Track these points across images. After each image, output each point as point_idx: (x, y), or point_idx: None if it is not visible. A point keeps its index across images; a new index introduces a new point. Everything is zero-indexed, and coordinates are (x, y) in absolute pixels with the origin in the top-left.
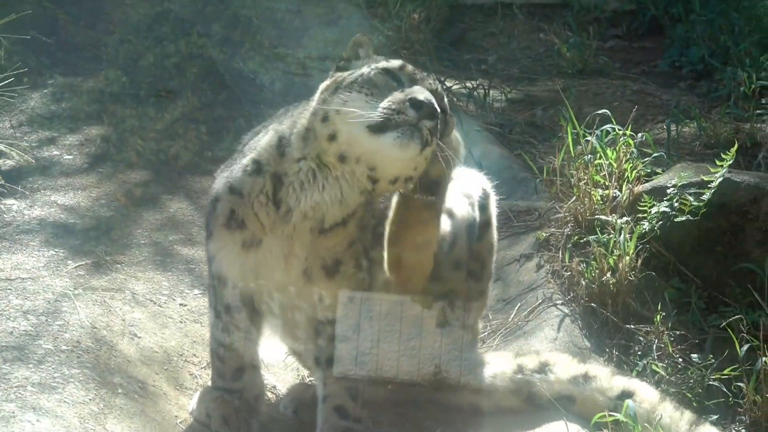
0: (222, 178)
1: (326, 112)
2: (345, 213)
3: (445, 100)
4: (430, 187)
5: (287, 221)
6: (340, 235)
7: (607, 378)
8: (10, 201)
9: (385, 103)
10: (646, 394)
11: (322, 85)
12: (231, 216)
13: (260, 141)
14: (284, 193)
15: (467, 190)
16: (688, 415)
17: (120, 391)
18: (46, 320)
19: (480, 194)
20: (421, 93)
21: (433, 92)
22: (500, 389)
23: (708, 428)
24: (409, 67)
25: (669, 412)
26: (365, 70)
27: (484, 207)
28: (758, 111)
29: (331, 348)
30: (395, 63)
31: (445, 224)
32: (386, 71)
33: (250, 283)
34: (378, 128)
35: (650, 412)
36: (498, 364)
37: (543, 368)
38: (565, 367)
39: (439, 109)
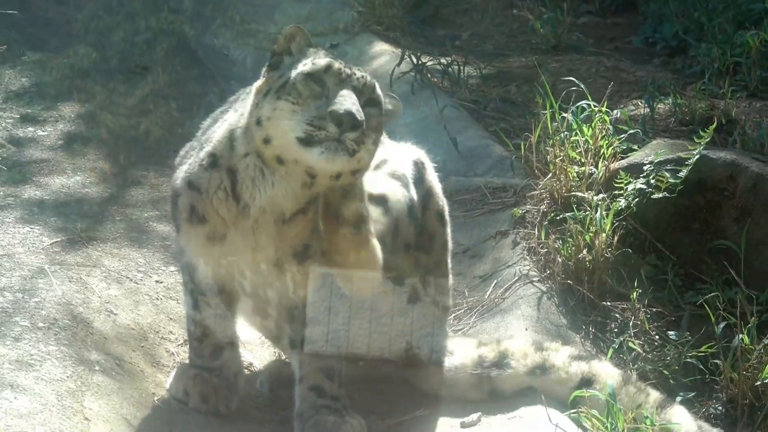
0: (181, 172)
1: (259, 116)
2: (301, 203)
3: (378, 90)
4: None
5: (248, 215)
6: (302, 223)
7: (565, 366)
8: None
9: (308, 118)
10: (606, 378)
11: (257, 85)
12: (192, 211)
13: (215, 133)
14: (240, 187)
15: (398, 171)
16: (654, 396)
17: (97, 368)
18: (23, 297)
19: (412, 170)
20: (342, 104)
21: (361, 88)
22: (462, 383)
23: (676, 409)
24: (335, 66)
25: (632, 395)
26: (292, 74)
27: (419, 180)
28: (732, 88)
29: (305, 331)
30: (321, 63)
31: (379, 214)
32: (310, 76)
33: (221, 272)
34: (305, 141)
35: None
36: (460, 355)
37: (501, 361)
38: (522, 358)
39: (361, 117)
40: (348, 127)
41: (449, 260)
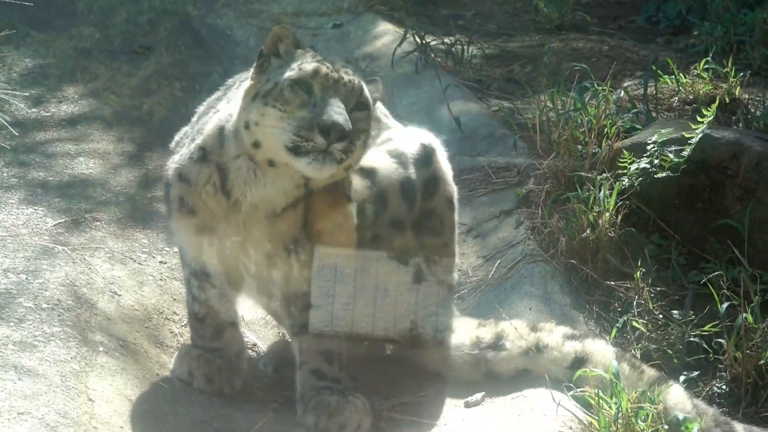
0: (173, 161)
1: (248, 120)
2: (292, 199)
3: (366, 92)
4: None
5: (238, 210)
6: (292, 217)
7: (558, 346)
8: None
9: (295, 128)
10: (600, 357)
11: (245, 87)
12: (182, 203)
13: (206, 124)
14: (231, 185)
15: (399, 149)
16: (649, 373)
17: (101, 349)
18: (27, 278)
19: (416, 150)
20: (329, 114)
21: (349, 92)
22: (460, 364)
23: (672, 387)
24: (323, 71)
25: (626, 373)
26: (279, 79)
27: (426, 162)
28: (736, 66)
29: (305, 316)
30: (308, 69)
31: (362, 185)
32: (297, 83)
33: (213, 261)
34: (293, 151)
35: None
36: (459, 335)
37: (497, 343)
38: (516, 339)
39: (349, 127)
40: (335, 138)
41: (455, 243)
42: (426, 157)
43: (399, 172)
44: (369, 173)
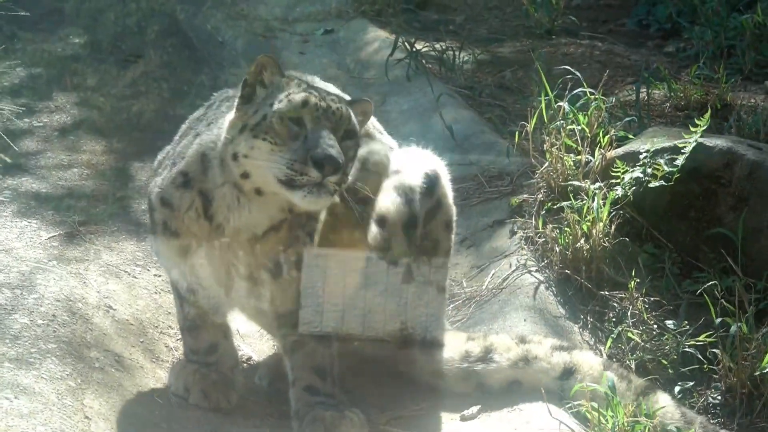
0: (155, 184)
1: (235, 152)
2: (276, 222)
3: (353, 119)
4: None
5: (221, 234)
6: (274, 240)
7: (546, 357)
8: None
9: (288, 161)
10: (588, 368)
11: (229, 118)
12: (165, 226)
13: (187, 149)
14: (214, 211)
15: (404, 183)
16: (636, 383)
17: (97, 365)
18: (21, 294)
19: (421, 182)
20: (323, 148)
21: (338, 121)
22: (451, 377)
23: (659, 395)
24: (312, 102)
25: (614, 383)
26: (268, 111)
27: (429, 193)
28: (727, 71)
29: (294, 335)
30: (297, 100)
31: (374, 233)
32: (287, 115)
33: (199, 281)
34: (286, 184)
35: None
36: (449, 349)
37: (486, 356)
38: (505, 352)
39: (342, 160)
40: (330, 172)
41: (447, 265)
42: (430, 187)
43: (405, 212)
44: (381, 221)
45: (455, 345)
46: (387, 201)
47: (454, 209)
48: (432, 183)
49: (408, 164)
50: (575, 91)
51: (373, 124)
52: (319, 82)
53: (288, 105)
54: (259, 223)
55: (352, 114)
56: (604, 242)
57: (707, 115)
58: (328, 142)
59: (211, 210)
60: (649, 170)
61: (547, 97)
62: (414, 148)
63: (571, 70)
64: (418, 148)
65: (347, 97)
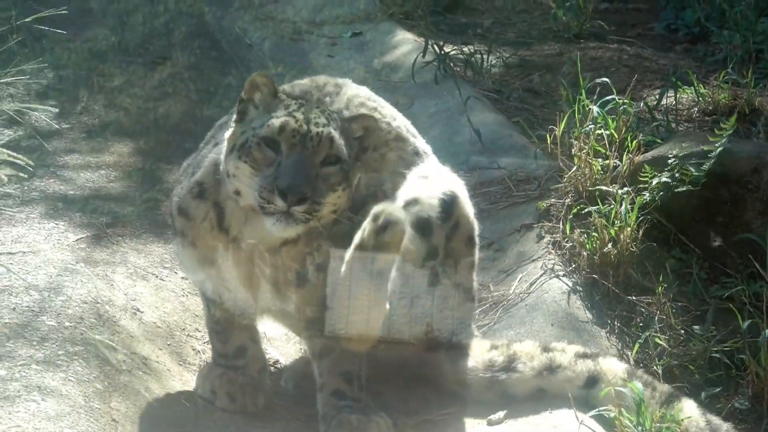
0: (176, 193)
1: (228, 170)
2: (290, 236)
3: (337, 142)
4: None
5: (238, 246)
6: (293, 252)
7: (571, 365)
8: (9, 172)
9: (259, 188)
10: (612, 376)
11: (227, 133)
12: (183, 235)
13: (204, 160)
14: (228, 223)
15: (420, 216)
16: (661, 389)
17: (124, 368)
18: (49, 296)
19: (439, 211)
20: (287, 177)
21: (316, 146)
22: (475, 385)
23: (685, 402)
24: (290, 127)
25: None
26: (250, 135)
27: (447, 217)
28: (755, 76)
29: (322, 341)
30: (275, 126)
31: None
32: (264, 141)
33: (223, 289)
34: (261, 208)
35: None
36: (473, 357)
37: (509, 365)
38: (529, 361)
39: (308, 190)
40: (294, 202)
41: (474, 278)
42: (447, 212)
43: (423, 249)
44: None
45: (478, 354)
46: (405, 239)
47: (475, 224)
48: (449, 207)
49: (423, 192)
50: (605, 99)
51: (407, 127)
52: (351, 85)
53: (266, 130)
54: (272, 238)
55: (336, 138)
56: (632, 247)
57: (733, 118)
58: (296, 170)
59: (225, 222)
60: (677, 175)
61: (579, 102)
62: (429, 165)
63: (601, 77)
64: (435, 162)
65: (372, 104)
